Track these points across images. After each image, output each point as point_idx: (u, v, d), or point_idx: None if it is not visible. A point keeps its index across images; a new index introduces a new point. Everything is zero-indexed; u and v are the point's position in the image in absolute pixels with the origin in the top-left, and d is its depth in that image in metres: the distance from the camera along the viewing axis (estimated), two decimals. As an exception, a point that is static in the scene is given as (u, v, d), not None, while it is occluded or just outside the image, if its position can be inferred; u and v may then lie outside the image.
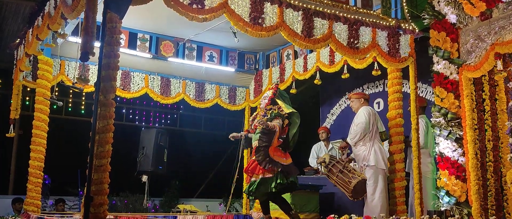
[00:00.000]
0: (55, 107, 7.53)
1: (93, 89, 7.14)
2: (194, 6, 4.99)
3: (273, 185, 5.71)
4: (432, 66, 6.26)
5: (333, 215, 5.68)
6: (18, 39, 7.19)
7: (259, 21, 5.36)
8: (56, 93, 7.01)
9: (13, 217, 7.03)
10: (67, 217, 6.94)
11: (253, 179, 5.91)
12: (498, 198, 5.79)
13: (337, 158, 6.84)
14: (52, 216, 6.54)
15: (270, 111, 6.12)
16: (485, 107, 5.90)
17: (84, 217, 3.60)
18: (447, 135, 5.94)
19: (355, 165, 6.58)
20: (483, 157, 5.81)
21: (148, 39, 7.85)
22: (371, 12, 6.28)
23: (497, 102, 5.95)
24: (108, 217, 4.09)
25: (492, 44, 5.64)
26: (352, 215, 5.58)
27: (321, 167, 7.56)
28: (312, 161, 8.51)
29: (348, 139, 6.53)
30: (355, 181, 6.09)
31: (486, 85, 5.96)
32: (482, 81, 6.01)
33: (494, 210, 5.72)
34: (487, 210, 5.68)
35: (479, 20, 5.89)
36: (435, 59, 6.24)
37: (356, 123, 6.51)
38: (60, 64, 7.46)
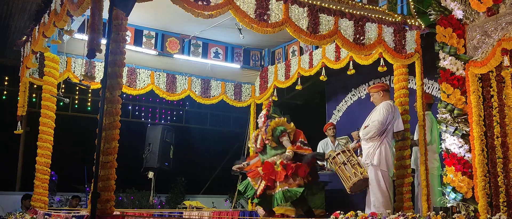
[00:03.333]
0: (61, 104, 7.57)
1: (99, 86, 7.16)
2: (200, 2, 4.99)
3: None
4: (438, 62, 6.23)
5: (339, 211, 5.68)
6: (25, 36, 7.22)
7: (265, 18, 5.34)
8: (63, 90, 7.05)
9: (21, 214, 7.06)
10: (74, 213, 6.97)
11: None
12: (509, 195, 5.75)
13: (343, 147, 6.80)
14: (59, 212, 6.57)
15: (273, 132, 6.47)
16: (493, 104, 5.86)
17: (91, 213, 3.62)
18: (454, 132, 5.92)
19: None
20: (493, 153, 5.76)
21: (154, 36, 7.87)
22: (377, 8, 6.26)
23: (504, 98, 5.92)
24: (114, 213, 4.12)
25: (499, 40, 5.60)
26: (358, 211, 5.57)
27: (327, 164, 7.56)
28: None
29: (360, 133, 6.29)
30: (356, 179, 6.07)
31: (494, 81, 5.92)
32: (489, 77, 5.97)
33: (506, 206, 5.69)
34: (498, 207, 5.65)
35: (486, 16, 5.84)
36: (441, 55, 6.20)
37: (373, 119, 6.21)
38: (66, 61, 7.51)
